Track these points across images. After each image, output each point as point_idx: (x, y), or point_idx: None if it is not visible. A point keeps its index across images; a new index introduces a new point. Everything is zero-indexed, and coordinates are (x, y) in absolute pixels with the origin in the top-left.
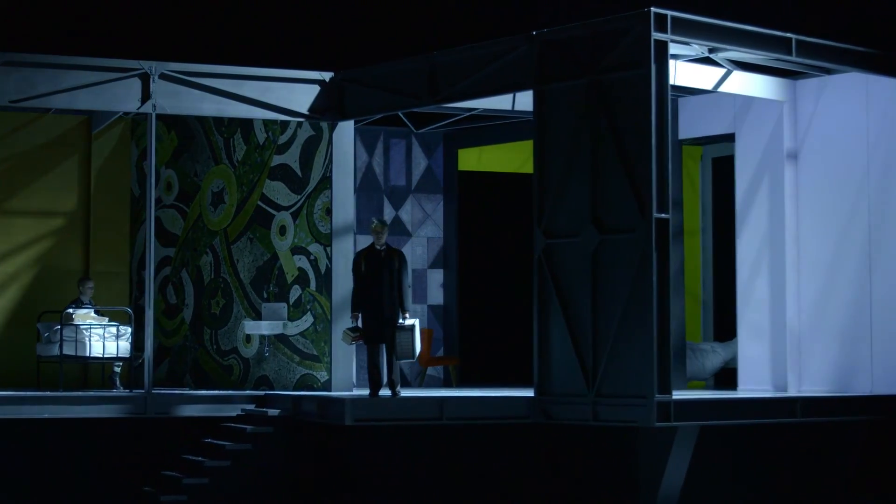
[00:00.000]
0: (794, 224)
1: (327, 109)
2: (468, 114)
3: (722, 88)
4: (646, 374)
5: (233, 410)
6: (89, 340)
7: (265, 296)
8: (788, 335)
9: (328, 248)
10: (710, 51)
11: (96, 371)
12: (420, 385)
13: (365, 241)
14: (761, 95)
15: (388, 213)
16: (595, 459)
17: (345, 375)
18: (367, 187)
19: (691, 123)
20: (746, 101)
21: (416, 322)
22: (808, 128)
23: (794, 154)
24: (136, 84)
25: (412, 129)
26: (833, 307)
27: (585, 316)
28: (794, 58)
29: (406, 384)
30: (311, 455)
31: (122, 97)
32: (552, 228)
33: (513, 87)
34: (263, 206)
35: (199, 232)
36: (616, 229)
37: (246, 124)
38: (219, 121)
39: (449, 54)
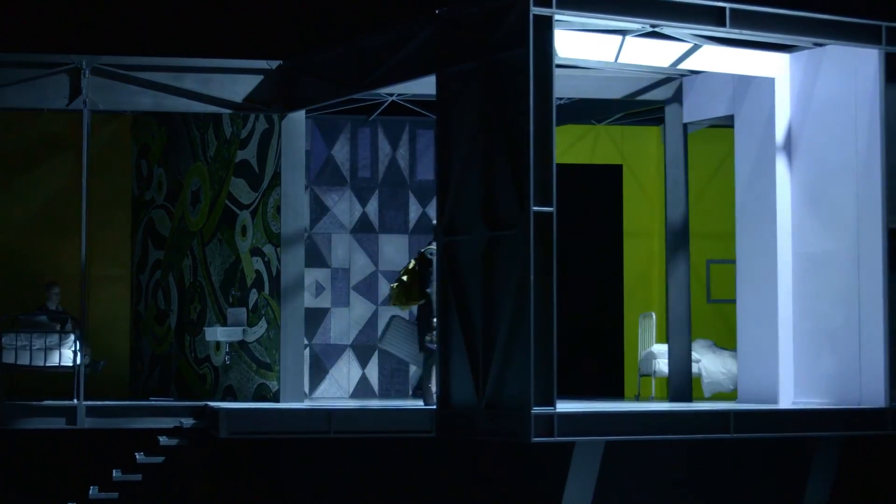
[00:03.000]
0: (787, 218)
1: (275, 100)
2: None
3: (696, 66)
4: (525, 385)
5: (173, 422)
6: (30, 349)
7: (230, 300)
8: (781, 341)
9: (278, 249)
10: (653, 25)
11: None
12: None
13: (389, 241)
14: (747, 72)
15: (415, 210)
16: (500, 476)
17: (295, 385)
18: (390, 183)
19: (696, 105)
20: (745, 79)
21: None
22: (800, 108)
23: (786, 137)
24: (66, 79)
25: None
26: (827, 310)
27: (478, 321)
28: (728, 30)
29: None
30: (219, 469)
31: (52, 93)
32: (453, 225)
33: (422, 72)
34: (230, 204)
35: (181, 233)
36: (503, 225)
37: (217, 118)
38: (196, 115)
39: (371, 38)
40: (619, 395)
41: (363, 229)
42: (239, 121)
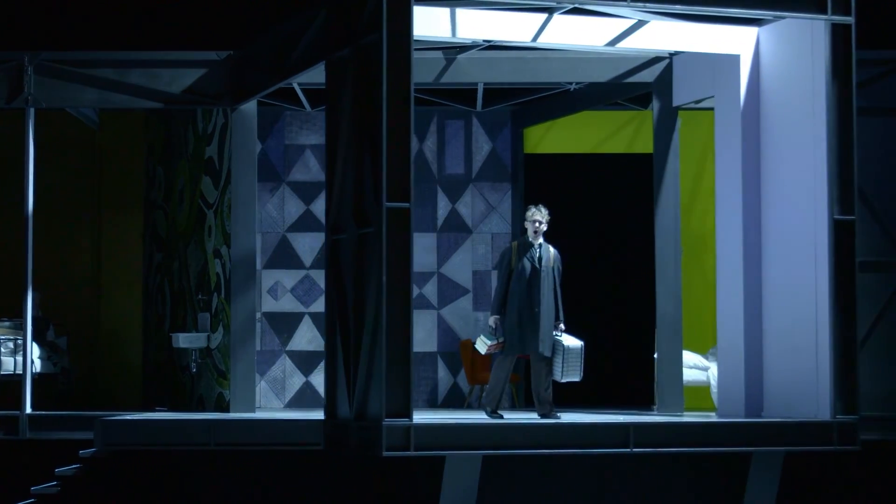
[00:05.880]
0: (751, 207)
1: (224, 93)
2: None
3: (657, 45)
4: (378, 394)
5: None
6: None
7: (200, 305)
8: (745, 348)
9: (230, 250)
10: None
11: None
12: (479, 406)
13: (416, 240)
14: (713, 50)
15: (444, 207)
16: (386, 492)
17: (246, 394)
18: (417, 178)
19: (684, 87)
20: (724, 57)
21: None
22: (767, 87)
23: (752, 119)
24: (6, 77)
25: (472, 108)
26: (787, 312)
27: (352, 326)
28: (629, 2)
29: (457, 405)
30: (134, 480)
31: None
32: (337, 223)
33: (316, 59)
34: (202, 204)
35: (173, 235)
36: (368, 223)
37: (194, 113)
38: (182, 111)
39: (288, 24)
40: None
41: None
42: (208, 115)
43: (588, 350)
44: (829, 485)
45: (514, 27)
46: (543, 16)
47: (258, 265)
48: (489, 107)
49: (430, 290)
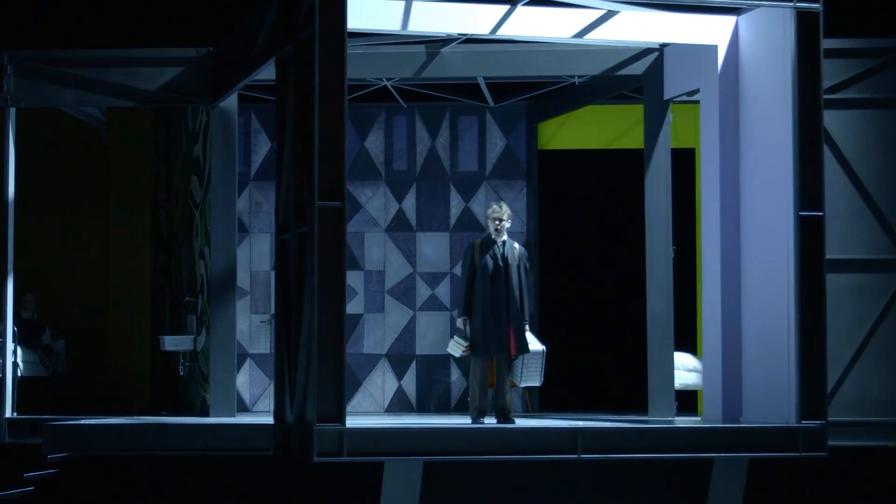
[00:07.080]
0: (729, 206)
1: (204, 90)
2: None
3: (623, 35)
4: (310, 397)
5: None
6: None
7: (189, 307)
8: (723, 351)
9: (210, 251)
10: None
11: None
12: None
13: (428, 239)
14: (691, 40)
15: (457, 205)
16: (336, 499)
17: (226, 398)
18: (429, 176)
19: (675, 79)
20: (709, 48)
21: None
22: (746, 78)
23: (731, 112)
24: None
25: (485, 104)
26: (763, 314)
27: (293, 328)
28: None
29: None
30: (100, 485)
31: None
32: (285, 222)
33: (270, 54)
34: (191, 204)
35: (171, 236)
36: (305, 222)
37: (186, 111)
38: (178, 110)
39: (250, 19)
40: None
41: (399, 227)
42: (196, 114)
43: (603, 351)
44: (798, 493)
45: (475, 19)
46: (505, 7)
47: (268, 266)
48: (502, 102)
49: (443, 290)
